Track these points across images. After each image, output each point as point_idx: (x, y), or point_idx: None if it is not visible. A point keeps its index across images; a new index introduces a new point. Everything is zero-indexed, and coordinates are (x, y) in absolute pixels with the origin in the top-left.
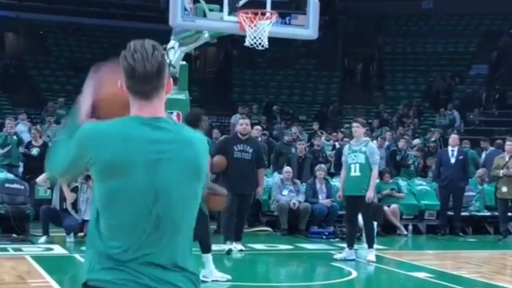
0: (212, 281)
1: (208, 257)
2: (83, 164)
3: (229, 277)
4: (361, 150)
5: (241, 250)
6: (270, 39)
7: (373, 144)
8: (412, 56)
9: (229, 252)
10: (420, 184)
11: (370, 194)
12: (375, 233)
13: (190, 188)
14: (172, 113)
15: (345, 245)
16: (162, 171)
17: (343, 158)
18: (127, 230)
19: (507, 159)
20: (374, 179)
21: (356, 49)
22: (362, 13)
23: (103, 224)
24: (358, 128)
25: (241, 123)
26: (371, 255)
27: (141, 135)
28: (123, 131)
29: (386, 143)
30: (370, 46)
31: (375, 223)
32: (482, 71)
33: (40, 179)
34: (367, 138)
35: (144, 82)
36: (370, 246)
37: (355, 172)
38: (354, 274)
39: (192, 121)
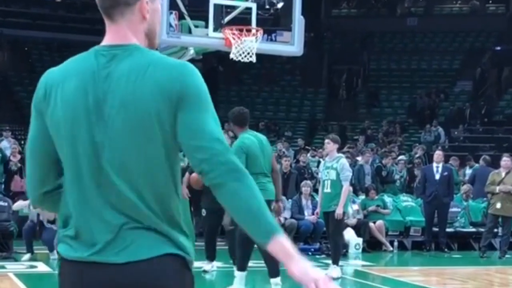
0: None
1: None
2: None
3: None
4: (333, 167)
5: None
6: (256, 56)
7: (345, 161)
8: (397, 73)
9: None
10: (406, 200)
11: (339, 211)
12: (340, 250)
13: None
14: None
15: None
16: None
17: (319, 175)
18: None
19: (503, 175)
20: (345, 196)
21: (342, 65)
22: (347, 30)
23: None
24: (328, 144)
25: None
26: (334, 271)
27: (88, 72)
28: (71, 70)
29: (371, 159)
30: (355, 63)
31: (360, 240)
32: (466, 87)
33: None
34: (340, 155)
35: None
36: (335, 262)
37: (327, 188)
38: None
39: None
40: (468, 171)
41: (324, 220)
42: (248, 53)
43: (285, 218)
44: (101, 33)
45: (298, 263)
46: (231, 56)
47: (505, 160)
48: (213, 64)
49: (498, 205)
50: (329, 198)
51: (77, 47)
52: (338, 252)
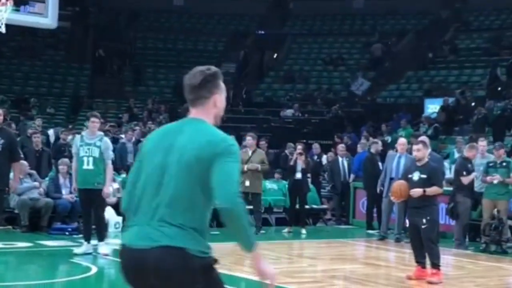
0: None
1: None
2: None
3: None
4: (96, 144)
5: None
6: (14, 28)
7: (107, 139)
8: (164, 52)
9: None
10: None
11: (107, 190)
12: (107, 227)
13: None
14: None
15: None
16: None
17: (73, 149)
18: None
19: (250, 153)
20: (111, 174)
21: (108, 42)
22: (114, 7)
23: None
24: (95, 123)
25: None
26: (103, 248)
27: (169, 128)
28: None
29: (134, 138)
30: (122, 41)
31: (120, 218)
32: (230, 69)
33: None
34: (101, 133)
35: (188, 92)
36: (102, 239)
37: (88, 165)
38: (95, 269)
39: None
40: None
41: (82, 197)
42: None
43: (41, 196)
44: None
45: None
46: None
47: (249, 139)
48: None
49: (247, 183)
50: (92, 175)
51: None
52: (103, 229)
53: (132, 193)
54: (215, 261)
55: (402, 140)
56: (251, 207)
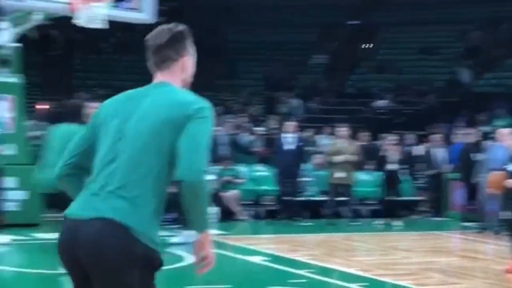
0: None
1: None
2: None
3: None
4: None
5: None
6: (113, 24)
7: None
8: (256, 45)
9: None
10: (260, 170)
11: None
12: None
13: (148, 133)
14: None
15: None
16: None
17: None
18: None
19: (342, 145)
20: None
21: (202, 36)
22: (208, 1)
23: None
24: None
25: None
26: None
27: (129, 94)
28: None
29: (227, 129)
30: (216, 35)
31: (215, 209)
32: (322, 60)
33: None
34: None
35: (153, 53)
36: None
37: None
38: (190, 259)
39: (72, 113)
40: (326, 141)
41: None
42: (98, 20)
43: None
44: None
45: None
46: (77, 22)
47: (341, 130)
48: (70, 31)
49: (339, 174)
50: None
51: None
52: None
53: (70, 160)
54: (161, 262)
55: (503, 131)
56: (343, 198)
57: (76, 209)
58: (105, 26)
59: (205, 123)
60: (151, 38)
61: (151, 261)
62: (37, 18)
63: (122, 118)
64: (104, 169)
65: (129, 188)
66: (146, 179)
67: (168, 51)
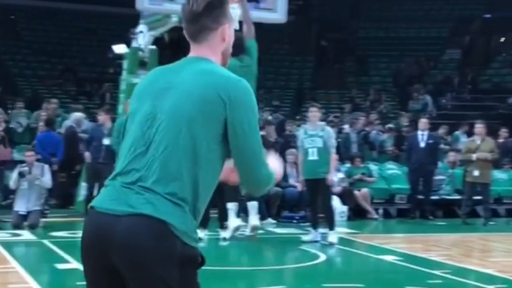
0: None
1: None
2: None
3: None
4: (318, 135)
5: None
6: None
7: (330, 129)
8: (386, 41)
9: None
10: (391, 168)
11: (332, 177)
12: (334, 215)
13: (181, 119)
14: None
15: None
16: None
17: (298, 143)
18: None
19: (478, 142)
20: (334, 162)
21: (331, 33)
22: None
23: None
24: (316, 113)
25: None
26: (332, 237)
27: (164, 69)
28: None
29: (357, 127)
30: (345, 31)
31: (345, 208)
32: (454, 55)
33: None
34: (323, 123)
35: (188, 23)
36: (331, 228)
37: (313, 156)
38: (323, 257)
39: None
40: (462, 138)
41: (308, 187)
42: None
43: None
44: (86, 0)
45: None
46: None
47: (478, 127)
48: None
49: (476, 173)
50: (316, 165)
51: (63, 15)
52: (332, 217)
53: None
54: (202, 259)
55: None
56: (479, 197)
57: (106, 202)
58: (237, 27)
59: (248, 109)
60: (187, 5)
61: (190, 258)
62: (174, 21)
63: (153, 100)
64: (136, 160)
65: (165, 182)
66: (183, 171)
67: (206, 20)
